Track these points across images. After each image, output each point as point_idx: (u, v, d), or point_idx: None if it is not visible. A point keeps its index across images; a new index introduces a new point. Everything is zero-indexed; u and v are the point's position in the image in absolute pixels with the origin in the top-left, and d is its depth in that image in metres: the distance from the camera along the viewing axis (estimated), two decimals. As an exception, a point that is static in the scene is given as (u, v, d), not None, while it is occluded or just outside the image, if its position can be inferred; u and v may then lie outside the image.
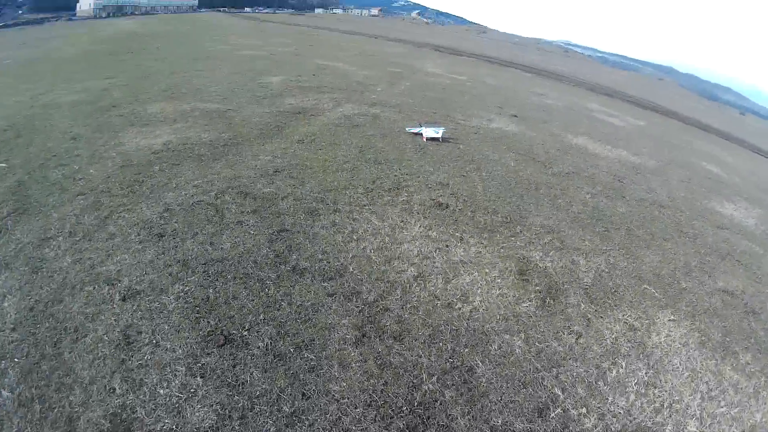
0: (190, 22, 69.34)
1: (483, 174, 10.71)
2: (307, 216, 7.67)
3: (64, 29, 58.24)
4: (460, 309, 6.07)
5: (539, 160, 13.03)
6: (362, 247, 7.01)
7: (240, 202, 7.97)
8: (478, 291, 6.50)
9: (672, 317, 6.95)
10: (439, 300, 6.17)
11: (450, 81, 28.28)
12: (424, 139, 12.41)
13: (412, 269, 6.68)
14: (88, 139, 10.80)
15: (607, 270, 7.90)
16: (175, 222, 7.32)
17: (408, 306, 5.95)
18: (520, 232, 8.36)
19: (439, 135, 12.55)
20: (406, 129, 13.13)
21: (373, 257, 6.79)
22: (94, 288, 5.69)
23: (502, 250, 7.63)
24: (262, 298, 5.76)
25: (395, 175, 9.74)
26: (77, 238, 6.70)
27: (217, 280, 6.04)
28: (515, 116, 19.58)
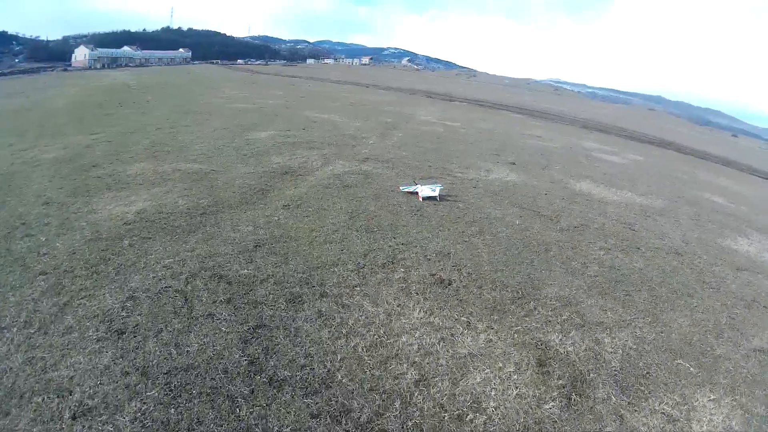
0: (184, 73, 70.36)
1: (487, 238, 9.74)
2: (289, 305, 6.64)
3: (58, 79, 58.96)
4: (472, 422, 5.00)
5: (545, 214, 12.12)
6: (353, 345, 5.95)
7: (213, 289, 6.96)
8: (492, 393, 5.41)
9: (711, 396, 5.96)
10: (446, 411, 5.09)
11: (443, 129, 27.88)
12: (420, 199, 11.53)
13: (413, 371, 5.60)
14: (61, 205, 10.07)
15: (635, 347, 6.86)
16: (139, 314, 6.32)
17: (410, 424, 4.83)
18: (535, 308, 7.32)
19: (436, 193, 11.70)
20: (401, 188, 12.31)
21: (366, 358, 5.73)
22: (44, 399, 4.73)
23: (516, 335, 6.57)
24: (232, 422, 4.67)
25: (390, 246, 8.75)
26: (32, 330, 5.77)
27: (181, 395, 4.97)
28: (513, 163, 18.90)
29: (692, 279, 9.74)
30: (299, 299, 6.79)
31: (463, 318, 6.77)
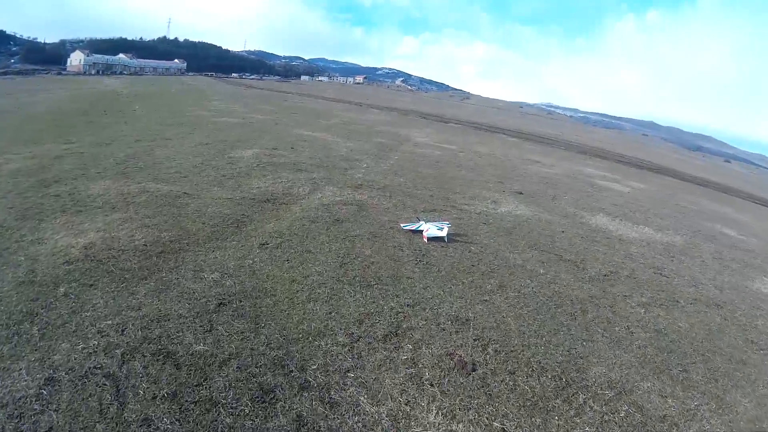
0: (177, 84, 69.07)
1: (510, 295, 7.95)
2: (256, 406, 4.74)
3: (51, 83, 57.87)
4: None
5: (568, 258, 10.49)
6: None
7: (155, 375, 5.05)
8: None
9: None
10: None
11: (441, 152, 26.36)
12: (425, 240, 9.70)
13: None
14: (5, 230, 8.35)
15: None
16: (54, 410, 4.46)
17: None
18: (585, 402, 5.50)
19: (444, 233, 9.98)
20: (401, 225, 10.49)
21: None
22: None
23: (570, 452, 4.69)
24: None
25: (392, 308, 6.90)
26: None
27: None
28: (521, 193, 17.29)
29: (740, 339, 8.31)
30: (271, 396, 4.89)
31: (496, 424, 4.86)
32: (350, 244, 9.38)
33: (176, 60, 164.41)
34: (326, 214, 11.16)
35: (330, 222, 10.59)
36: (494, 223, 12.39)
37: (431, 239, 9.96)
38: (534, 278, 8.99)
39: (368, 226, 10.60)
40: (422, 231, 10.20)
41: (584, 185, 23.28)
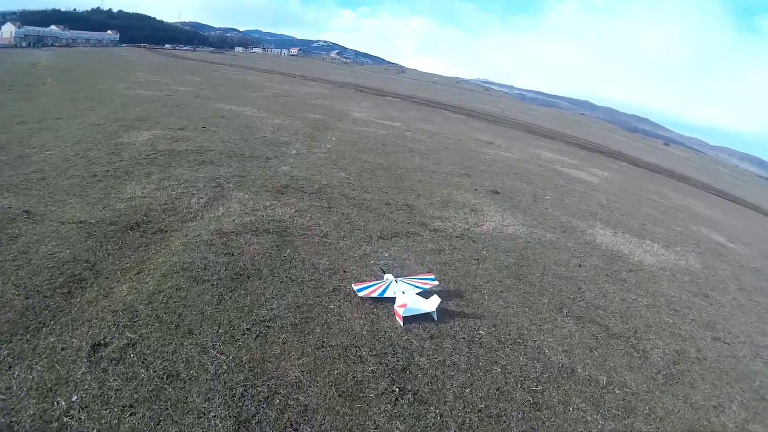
0: (105, 55, 64.54)
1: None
2: None
3: None
4: None
5: (617, 332, 6.97)
6: None
7: None
8: None
9: None
10: None
11: (385, 131, 21.85)
12: (399, 320, 5.23)
13: None
14: None
15: None
16: None
17: None
18: None
19: (433, 307, 5.67)
20: (355, 289, 5.85)
21: None
22: None
23: None
24: None
25: None
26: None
27: None
28: (496, 193, 13.37)
29: None
30: None
31: None
32: (258, 345, 4.73)
33: (109, 32, 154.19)
34: (222, 258, 6.41)
35: (226, 281, 5.86)
36: (490, 258, 8.26)
37: (410, 318, 5.38)
38: (600, 404, 4.75)
39: (293, 288, 5.99)
40: (393, 300, 5.62)
41: (553, 175, 19.95)
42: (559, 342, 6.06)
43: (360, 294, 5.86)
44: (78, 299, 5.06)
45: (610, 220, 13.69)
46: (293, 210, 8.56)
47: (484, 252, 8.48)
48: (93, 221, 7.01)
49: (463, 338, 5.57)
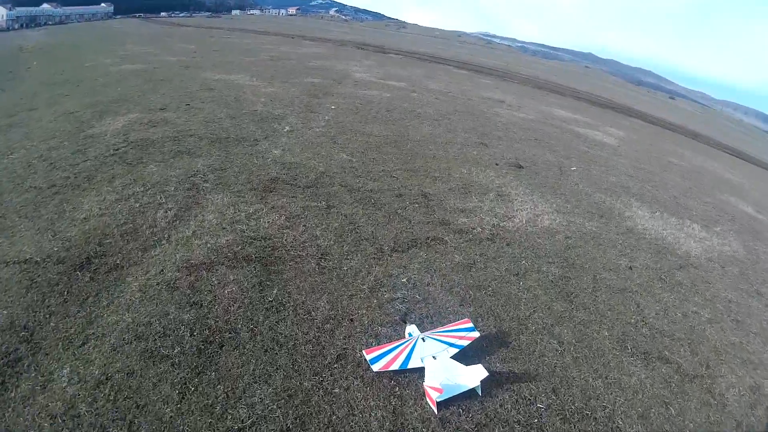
0: (97, 30, 60.69)
1: None
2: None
3: None
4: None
5: (688, 371, 5.52)
6: None
7: None
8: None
9: None
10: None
11: (389, 93, 19.55)
12: (433, 405, 3.66)
13: None
14: None
15: None
16: None
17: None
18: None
19: (477, 381, 4.12)
20: (367, 358, 4.21)
21: None
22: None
23: None
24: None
25: None
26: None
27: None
28: (520, 167, 11.32)
29: None
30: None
31: None
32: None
33: (102, 4, 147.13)
34: (188, 314, 4.88)
35: (191, 356, 4.34)
36: (531, 270, 6.66)
37: (444, 403, 3.70)
38: None
39: (282, 360, 4.39)
40: (421, 371, 3.96)
41: (571, 138, 18.01)
42: (631, 401, 4.54)
43: (375, 366, 4.13)
44: (12, 394, 3.42)
45: (643, 195, 11.97)
46: (283, 218, 6.73)
47: (524, 262, 6.71)
48: (39, 259, 5.34)
49: (519, 423, 3.88)
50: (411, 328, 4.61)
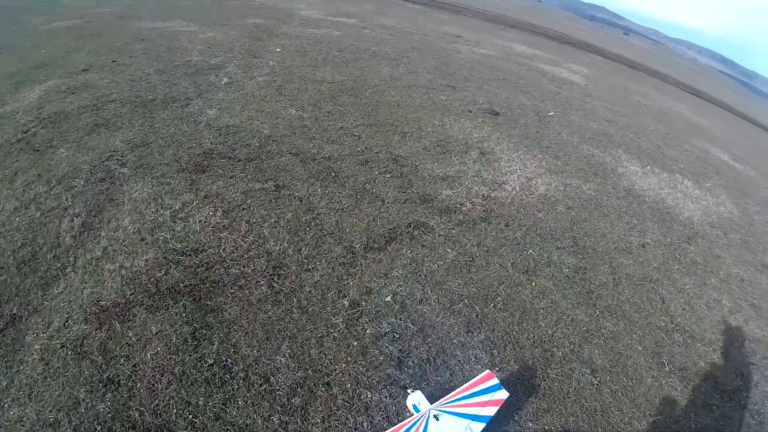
0: None
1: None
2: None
3: None
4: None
5: (726, 387, 4.60)
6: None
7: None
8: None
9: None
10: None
11: (340, 32, 17.31)
12: None
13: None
14: None
15: None
16: None
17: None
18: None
19: None
20: None
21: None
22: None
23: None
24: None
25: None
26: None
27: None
28: (495, 114, 10.16)
29: None
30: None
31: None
32: None
33: None
34: (104, 405, 3.17)
35: None
36: (541, 264, 5.42)
37: None
38: None
39: None
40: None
41: (539, 77, 16.86)
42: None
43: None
44: None
45: (628, 145, 11.14)
46: (219, 213, 4.91)
47: (530, 251, 5.35)
48: None
49: None
50: (416, 397, 3.16)
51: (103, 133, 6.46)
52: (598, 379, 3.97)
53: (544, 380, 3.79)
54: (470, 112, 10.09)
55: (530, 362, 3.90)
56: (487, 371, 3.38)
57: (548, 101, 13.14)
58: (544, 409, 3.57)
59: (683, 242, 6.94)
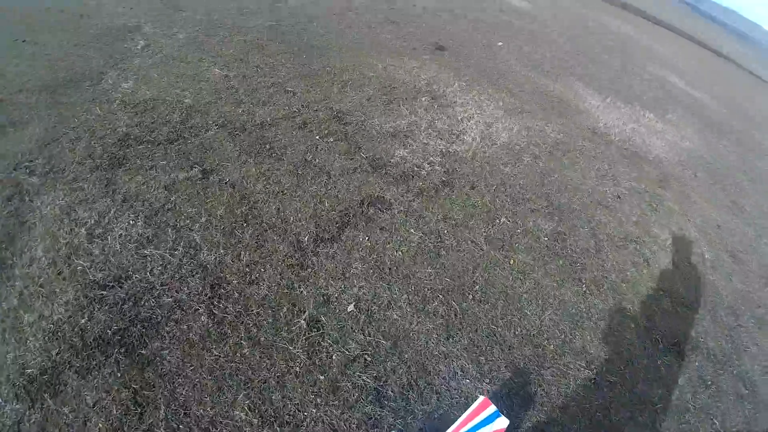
0: None
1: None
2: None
3: None
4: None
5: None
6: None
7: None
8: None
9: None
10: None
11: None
12: None
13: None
14: None
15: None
16: None
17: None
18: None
19: None
20: None
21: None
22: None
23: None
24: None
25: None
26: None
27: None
28: (442, 49, 9.53)
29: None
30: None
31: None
32: None
33: None
34: None
35: None
36: (518, 233, 4.96)
37: None
38: None
39: None
40: None
41: (481, 4, 15.59)
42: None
43: None
44: None
45: (585, 76, 10.84)
46: (141, 221, 3.85)
47: (502, 218, 4.82)
48: None
49: None
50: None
51: (10, 136, 5.11)
52: (595, 372, 3.61)
53: (540, 385, 3.36)
54: (415, 49, 9.26)
55: (520, 363, 3.45)
56: (482, 398, 2.90)
57: (496, 31, 12.45)
58: (543, 422, 3.16)
59: (657, 187, 6.71)
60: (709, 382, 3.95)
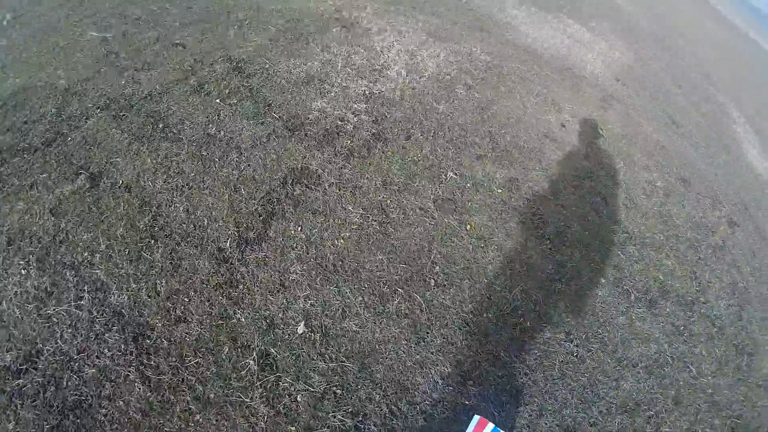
0: None
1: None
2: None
3: None
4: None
5: None
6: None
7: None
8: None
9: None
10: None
11: None
12: None
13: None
14: None
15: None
16: None
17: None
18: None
19: None
20: None
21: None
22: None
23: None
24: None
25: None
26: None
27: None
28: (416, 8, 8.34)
29: None
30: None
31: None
32: None
33: None
34: None
35: None
36: (470, 189, 4.54)
37: None
38: None
39: None
40: None
41: None
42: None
43: None
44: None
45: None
46: (34, 264, 2.90)
47: (449, 172, 4.47)
48: None
49: None
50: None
51: None
52: (575, 343, 3.45)
53: (526, 374, 3.14)
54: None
55: (503, 355, 3.19)
56: (478, 418, 2.63)
57: None
58: (537, 414, 2.97)
59: (599, 109, 6.58)
60: (683, 328, 3.94)
